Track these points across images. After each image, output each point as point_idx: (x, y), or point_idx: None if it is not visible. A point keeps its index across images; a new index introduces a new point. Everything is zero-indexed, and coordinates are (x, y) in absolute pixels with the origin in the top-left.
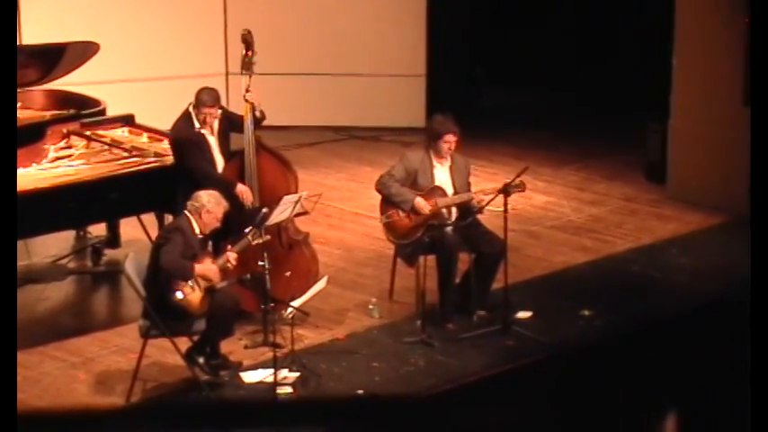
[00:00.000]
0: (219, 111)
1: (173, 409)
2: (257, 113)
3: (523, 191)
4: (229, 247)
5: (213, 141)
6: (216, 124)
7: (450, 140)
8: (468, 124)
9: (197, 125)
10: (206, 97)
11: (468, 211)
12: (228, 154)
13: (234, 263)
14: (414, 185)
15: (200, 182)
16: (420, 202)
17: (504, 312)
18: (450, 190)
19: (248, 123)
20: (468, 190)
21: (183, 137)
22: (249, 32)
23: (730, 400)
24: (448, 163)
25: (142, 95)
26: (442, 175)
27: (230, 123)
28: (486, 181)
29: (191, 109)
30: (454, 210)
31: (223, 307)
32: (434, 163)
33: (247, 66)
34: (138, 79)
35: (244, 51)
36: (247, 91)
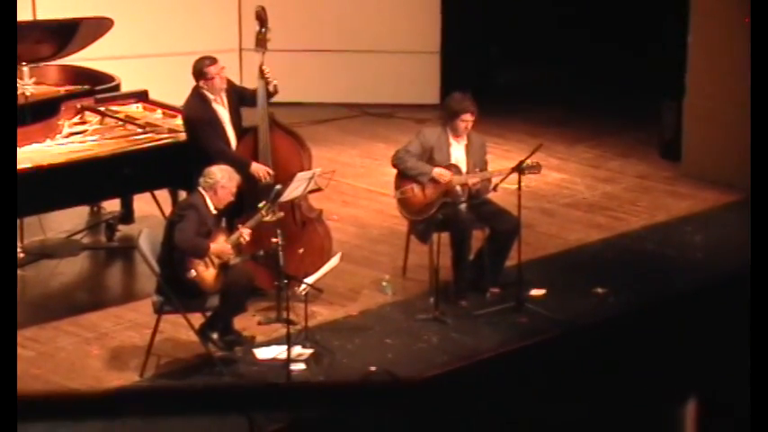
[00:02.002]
0: (223, 67)
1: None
2: (270, 88)
3: (539, 173)
4: (241, 225)
5: (225, 116)
6: (225, 98)
7: (467, 120)
8: (482, 101)
9: (211, 96)
10: (205, 61)
11: (476, 192)
12: (240, 129)
13: (247, 238)
14: (429, 162)
15: (215, 160)
16: (439, 170)
17: (517, 290)
18: (464, 168)
19: (262, 101)
20: (485, 169)
21: (196, 116)
22: (263, 9)
23: (744, 380)
24: (464, 141)
25: (156, 71)
26: (457, 153)
27: (241, 98)
28: (499, 158)
29: (201, 84)
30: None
31: (237, 283)
32: (451, 141)
33: (261, 42)
34: (153, 55)
35: (257, 28)
36: (262, 68)
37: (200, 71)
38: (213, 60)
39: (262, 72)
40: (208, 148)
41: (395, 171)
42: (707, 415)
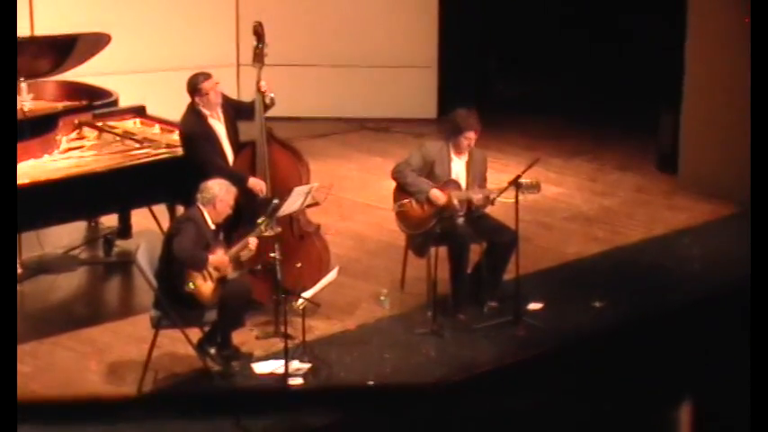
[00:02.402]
0: (217, 83)
1: (184, 398)
2: (267, 101)
3: (538, 192)
4: (250, 238)
5: (222, 131)
6: (221, 113)
7: (470, 137)
8: (480, 115)
9: (206, 113)
10: (199, 77)
11: (474, 206)
12: (237, 143)
13: (253, 248)
14: (430, 176)
15: (212, 175)
16: (435, 192)
17: (515, 303)
18: (463, 184)
19: (260, 115)
20: (484, 185)
21: (193, 132)
22: (260, 25)
23: (741, 388)
24: (465, 157)
25: (154, 86)
26: (458, 168)
27: (237, 112)
28: (498, 172)
29: (196, 100)
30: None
31: (234, 297)
32: (452, 156)
33: (258, 57)
34: (150, 70)
35: (255, 43)
36: (259, 83)
37: (194, 87)
38: (207, 76)
39: (259, 87)
40: (205, 163)
41: (393, 185)
42: (705, 423)
